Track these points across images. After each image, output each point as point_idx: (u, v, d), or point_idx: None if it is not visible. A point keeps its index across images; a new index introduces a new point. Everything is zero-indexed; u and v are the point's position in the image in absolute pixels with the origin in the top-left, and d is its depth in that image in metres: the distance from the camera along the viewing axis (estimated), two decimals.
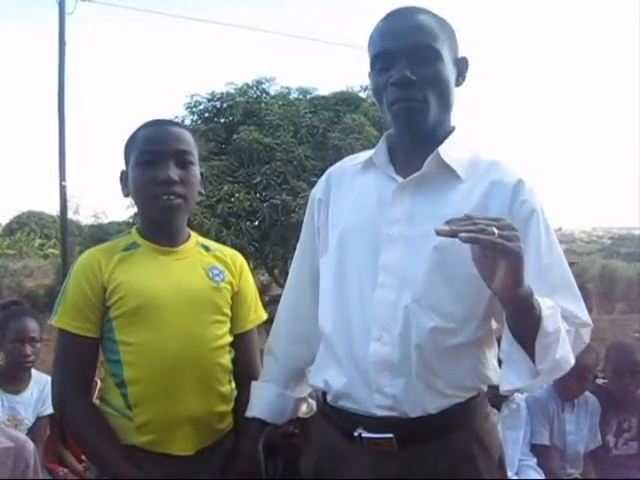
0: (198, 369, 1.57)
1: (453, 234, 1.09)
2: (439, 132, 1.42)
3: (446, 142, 1.40)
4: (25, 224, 26.11)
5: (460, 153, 1.40)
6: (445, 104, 1.40)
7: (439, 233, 1.11)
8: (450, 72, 1.39)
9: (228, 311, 1.66)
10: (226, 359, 1.65)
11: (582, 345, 1.39)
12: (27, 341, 2.82)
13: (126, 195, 1.64)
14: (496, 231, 1.10)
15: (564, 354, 1.26)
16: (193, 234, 1.71)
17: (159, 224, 1.62)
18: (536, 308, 1.20)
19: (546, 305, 1.23)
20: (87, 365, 1.58)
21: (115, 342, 1.55)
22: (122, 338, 1.54)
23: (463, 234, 1.08)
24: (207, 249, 1.70)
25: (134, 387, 1.54)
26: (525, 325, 1.22)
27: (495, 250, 1.11)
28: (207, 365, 1.59)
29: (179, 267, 1.61)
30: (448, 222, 1.12)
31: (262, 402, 1.61)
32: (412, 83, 1.34)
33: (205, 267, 1.65)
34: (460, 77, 1.44)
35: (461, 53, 1.45)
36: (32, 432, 2.82)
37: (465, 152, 1.42)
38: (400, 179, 1.41)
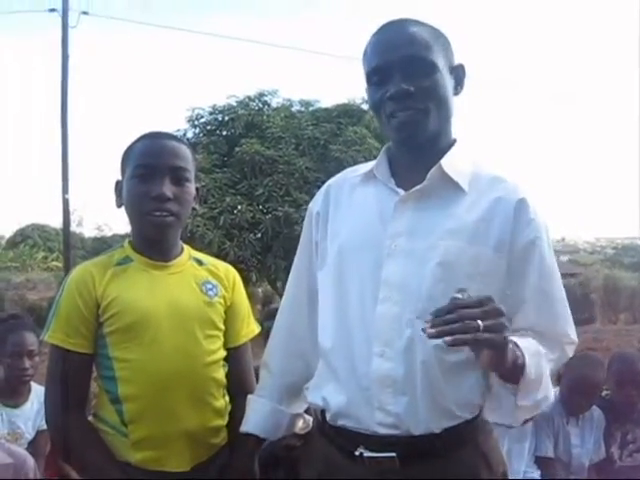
0: (193, 385, 1.55)
1: (439, 336, 1.06)
2: (440, 143, 1.40)
3: (448, 154, 1.38)
4: (28, 237, 26.21)
5: (463, 166, 1.39)
6: (445, 114, 1.38)
7: (426, 334, 1.07)
8: (447, 82, 1.38)
9: (222, 325, 1.65)
10: (220, 374, 1.63)
11: (565, 359, 1.43)
12: (25, 355, 2.80)
13: (119, 206, 1.62)
14: (481, 324, 1.07)
15: (546, 394, 1.30)
16: (186, 247, 1.70)
17: (151, 239, 1.60)
18: (519, 360, 1.21)
19: (529, 352, 1.23)
20: (81, 381, 1.55)
21: (109, 358, 1.53)
22: (117, 354, 1.53)
23: (448, 338, 1.05)
24: (200, 263, 1.69)
25: (129, 404, 1.52)
26: (508, 376, 1.24)
27: (480, 344, 1.10)
28: (202, 380, 1.57)
29: (172, 282, 1.60)
30: (434, 313, 1.08)
31: (257, 417, 1.58)
32: (410, 94, 1.33)
33: (198, 282, 1.63)
34: (458, 86, 1.43)
35: (460, 61, 1.43)
36: (32, 446, 2.80)
37: (468, 165, 1.40)
38: (402, 192, 1.39)
